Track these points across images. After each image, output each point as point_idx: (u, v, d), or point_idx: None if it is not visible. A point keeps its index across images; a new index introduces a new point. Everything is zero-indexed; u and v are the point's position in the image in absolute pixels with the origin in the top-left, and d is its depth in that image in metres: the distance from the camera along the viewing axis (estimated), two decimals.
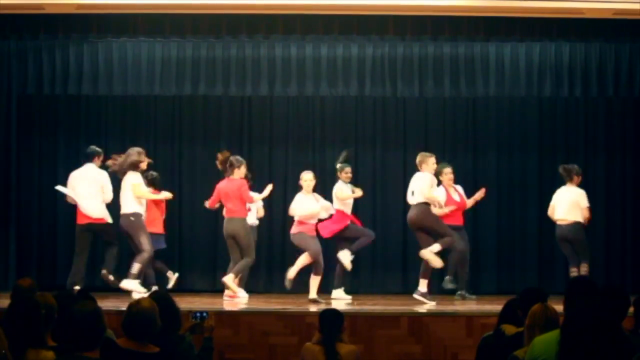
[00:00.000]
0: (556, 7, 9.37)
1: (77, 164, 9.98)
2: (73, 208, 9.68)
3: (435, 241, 9.27)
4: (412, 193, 9.43)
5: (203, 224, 11.16)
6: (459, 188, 10.35)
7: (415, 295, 9.29)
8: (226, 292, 9.71)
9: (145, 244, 9.30)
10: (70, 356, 3.97)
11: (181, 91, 10.77)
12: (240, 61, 10.66)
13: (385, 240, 11.23)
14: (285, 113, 11.44)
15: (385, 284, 11.18)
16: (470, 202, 10.26)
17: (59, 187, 9.75)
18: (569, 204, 9.91)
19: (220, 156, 9.76)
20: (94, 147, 9.71)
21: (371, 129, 11.47)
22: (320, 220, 9.87)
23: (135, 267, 9.23)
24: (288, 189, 10.75)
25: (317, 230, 9.81)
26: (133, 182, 9.37)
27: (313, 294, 9.49)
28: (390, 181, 11.31)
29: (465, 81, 10.69)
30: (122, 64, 10.63)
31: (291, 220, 9.86)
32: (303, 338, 7.27)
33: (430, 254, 9.20)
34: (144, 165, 9.54)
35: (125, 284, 9.21)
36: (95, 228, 9.49)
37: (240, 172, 9.67)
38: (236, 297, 9.63)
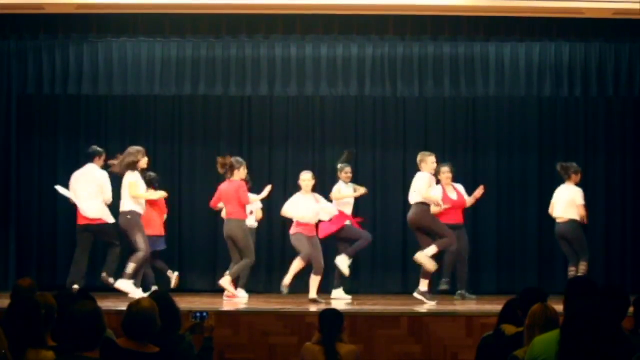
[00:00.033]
0: (556, 7, 9.37)
1: (77, 164, 9.99)
2: (73, 208, 9.68)
3: (434, 241, 9.27)
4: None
5: (203, 224, 11.16)
6: (459, 187, 10.32)
7: (416, 295, 9.29)
8: (226, 292, 9.71)
9: (141, 243, 9.29)
10: (70, 356, 3.97)
11: (181, 91, 10.77)
12: (240, 61, 10.66)
13: (385, 240, 11.24)
14: (285, 113, 11.44)
15: (385, 284, 11.18)
16: (470, 201, 10.24)
17: (58, 188, 9.75)
18: (565, 202, 9.94)
19: (220, 160, 9.75)
20: (94, 148, 9.71)
21: (371, 129, 11.47)
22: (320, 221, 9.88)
23: (130, 267, 9.22)
24: (288, 189, 10.74)
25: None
26: (130, 181, 9.38)
27: (313, 294, 9.48)
28: (390, 181, 11.31)
29: (465, 81, 10.69)
30: (122, 64, 10.62)
31: (291, 220, 9.86)
32: (303, 338, 7.28)
33: (425, 257, 9.18)
34: (143, 164, 9.53)
35: (120, 284, 9.20)
36: (94, 229, 9.48)
37: (240, 173, 9.67)
38: (236, 298, 9.64)
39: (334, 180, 10.28)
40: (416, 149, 10.31)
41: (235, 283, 9.83)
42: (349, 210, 10.12)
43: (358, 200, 10.38)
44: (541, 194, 11.00)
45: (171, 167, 11.29)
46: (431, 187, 9.43)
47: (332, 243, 10.12)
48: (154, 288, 9.29)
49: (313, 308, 8.69)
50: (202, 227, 11.19)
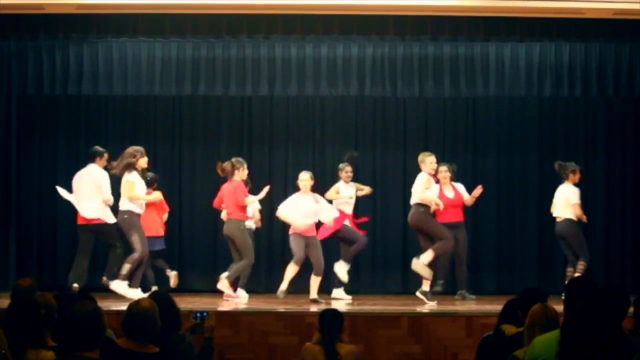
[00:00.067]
0: (556, 7, 9.37)
1: (77, 164, 9.99)
2: (73, 208, 9.68)
3: (433, 242, 9.26)
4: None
5: (203, 224, 11.15)
6: (459, 186, 10.27)
7: (418, 293, 9.26)
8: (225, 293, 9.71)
9: (137, 243, 9.26)
10: (70, 356, 3.97)
11: (181, 91, 10.77)
12: (240, 61, 10.66)
13: (385, 240, 11.24)
14: (285, 113, 11.44)
15: (385, 284, 11.18)
16: (469, 200, 10.22)
17: (59, 189, 9.74)
18: (562, 202, 9.97)
19: (221, 163, 9.75)
20: (96, 148, 9.67)
21: (371, 129, 11.47)
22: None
23: (125, 268, 9.20)
24: (288, 189, 10.74)
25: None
26: (124, 181, 9.38)
27: (313, 294, 9.49)
28: (390, 181, 11.31)
29: (465, 81, 10.70)
30: (122, 64, 10.63)
31: None
32: (303, 338, 7.28)
33: (421, 266, 9.14)
34: (142, 164, 9.51)
35: (114, 285, 9.17)
36: (92, 229, 9.45)
37: (240, 173, 9.67)
38: (236, 298, 9.64)
39: (334, 180, 10.28)
40: (416, 149, 10.32)
41: (235, 283, 9.82)
42: (348, 210, 10.12)
43: (358, 200, 10.38)
44: (541, 194, 11.00)
45: (171, 167, 11.29)
46: (429, 187, 9.39)
47: (332, 243, 10.12)
48: (154, 288, 9.28)
49: (313, 308, 8.70)
50: (202, 227, 11.19)
